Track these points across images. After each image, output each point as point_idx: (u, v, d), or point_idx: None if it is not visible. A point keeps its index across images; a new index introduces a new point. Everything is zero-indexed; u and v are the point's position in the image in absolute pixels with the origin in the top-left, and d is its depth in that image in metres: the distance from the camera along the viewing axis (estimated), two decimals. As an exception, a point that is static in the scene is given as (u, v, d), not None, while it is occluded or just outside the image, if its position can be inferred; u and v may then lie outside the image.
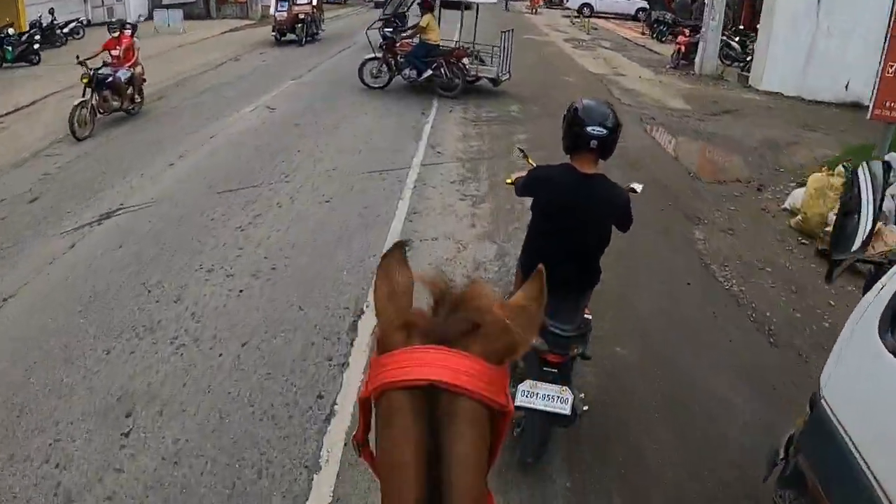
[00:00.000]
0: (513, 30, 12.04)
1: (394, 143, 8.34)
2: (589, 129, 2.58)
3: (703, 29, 14.66)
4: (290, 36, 16.87)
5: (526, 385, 2.70)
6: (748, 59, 15.07)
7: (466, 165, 7.54)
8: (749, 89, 13.75)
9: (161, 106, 9.96)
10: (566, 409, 2.69)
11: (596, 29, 25.65)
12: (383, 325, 0.89)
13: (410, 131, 9.06)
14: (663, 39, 21.63)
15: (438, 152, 8.06)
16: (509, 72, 11.69)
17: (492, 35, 12.13)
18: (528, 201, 2.98)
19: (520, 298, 0.93)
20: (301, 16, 16.75)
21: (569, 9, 31.77)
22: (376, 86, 11.38)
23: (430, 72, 10.95)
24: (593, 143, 2.60)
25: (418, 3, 11.35)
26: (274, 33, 16.78)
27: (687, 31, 16.37)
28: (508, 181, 3.24)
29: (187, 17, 21.11)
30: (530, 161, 3.39)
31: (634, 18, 31.09)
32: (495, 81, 11.70)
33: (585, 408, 2.94)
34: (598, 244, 2.82)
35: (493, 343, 0.85)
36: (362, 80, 11.35)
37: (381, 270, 0.94)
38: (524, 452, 2.89)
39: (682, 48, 16.01)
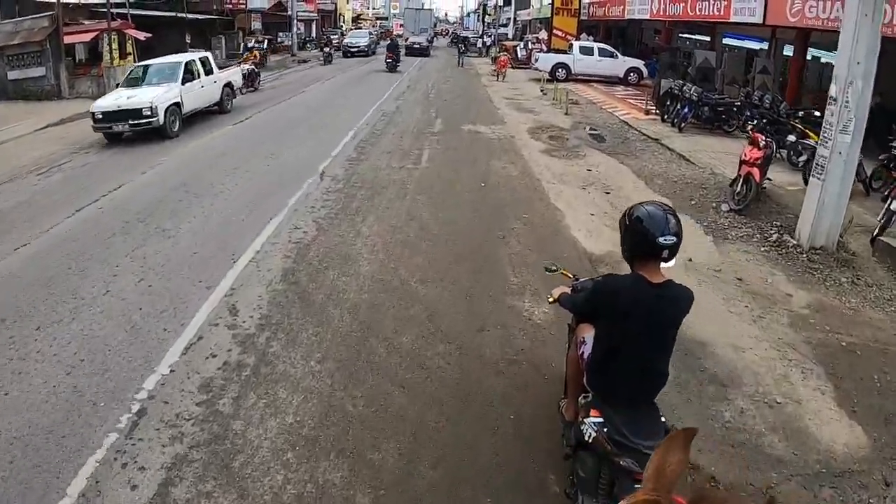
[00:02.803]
0: None
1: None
2: (661, 239, 2.49)
3: (825, 154, 6.71)
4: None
5: None
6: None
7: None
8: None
9: None
10: None
11: (577, 104, 17.95)
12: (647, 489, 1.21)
13: None
14: (682, 127, 13.90)
15: None
16: None
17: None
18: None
19: None
20: None
21: (538, 70, 24.34)
22: None
23: None
24: (665, 252, 2.52)
25: None
26: None
27: (761, 139, 8.46)
28: (551, 299, 3.20)
29: (33, 96, 18.09)
30: (566, 274, 3.49)
31: (623, 82, 23.77)
32: None
33: None
34: (671, 349, 2.73)
35: None
36: None
37: (664, 447, 1.24)
38: None
39: (755, 175, 8.11)
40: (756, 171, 8.14)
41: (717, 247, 7.09)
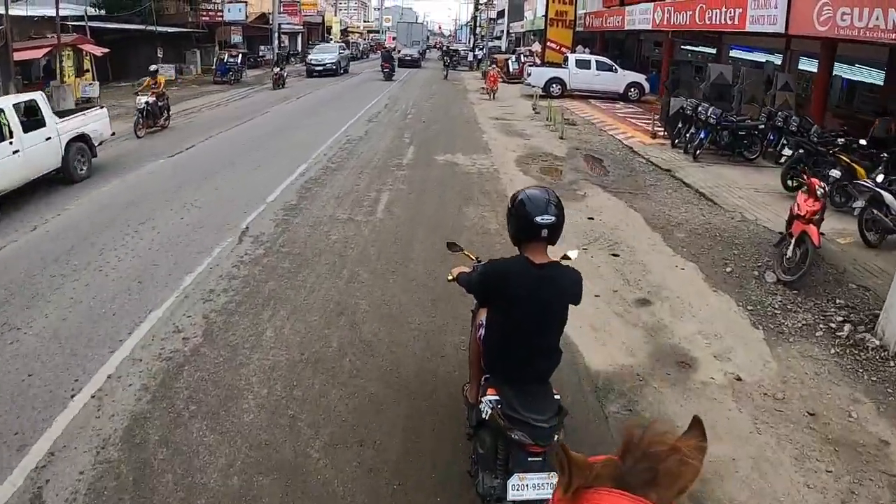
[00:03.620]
0: None
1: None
2: (538, 219, 2.54)
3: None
4: None
5: (515, 479, 2.60)
6: None
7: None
8: None
9: None
10: None
11: (574, 124, 15.98)
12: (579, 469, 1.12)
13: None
14: (697, 154, 11.90)
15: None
16: None
17: None
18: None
19: (690, 441, 1.14)
20: None
21: (530, 85, 22.37)
22: None
23: None
24: (544, 232, 2.57)
25: None
26: None
27: (818, 185, 6.41)
28: (450, 278, 3.19)
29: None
30: (469, 254, 3.48)
31: (624, 98, 21.87)
32: None
33: None
34: (561, 328, 2.78)
35: (668, 489, 1.06)
36: None
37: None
38: None
39: (812, 235, 6.06)
40: (813, 231, 6.09)
41: (772, 349, 5.02)
